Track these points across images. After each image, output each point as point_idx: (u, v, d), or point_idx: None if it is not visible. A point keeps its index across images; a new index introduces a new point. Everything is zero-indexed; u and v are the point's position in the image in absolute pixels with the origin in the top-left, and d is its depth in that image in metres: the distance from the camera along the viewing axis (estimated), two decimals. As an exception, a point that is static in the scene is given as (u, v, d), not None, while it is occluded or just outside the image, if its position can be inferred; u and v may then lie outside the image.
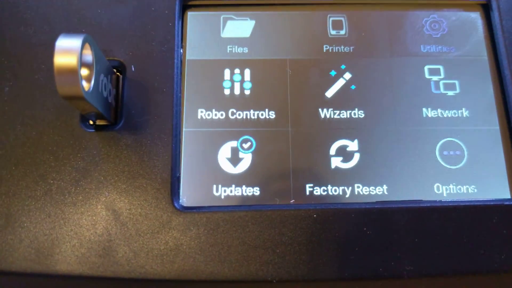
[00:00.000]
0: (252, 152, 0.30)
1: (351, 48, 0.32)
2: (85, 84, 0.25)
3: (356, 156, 0.30)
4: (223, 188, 0.29)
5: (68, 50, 0.23)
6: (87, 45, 0.25)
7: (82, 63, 0.25)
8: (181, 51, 0.31)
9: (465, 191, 0.29)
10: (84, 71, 0.25)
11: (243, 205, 0.28)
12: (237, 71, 0.31)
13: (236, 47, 0.32)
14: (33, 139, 0.29)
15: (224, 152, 0.30)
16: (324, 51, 0.32)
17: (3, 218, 0.28)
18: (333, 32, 0.32)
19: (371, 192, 0.29)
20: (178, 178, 0.29)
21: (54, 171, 0.28)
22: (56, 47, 0.23)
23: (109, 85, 0.29)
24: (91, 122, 0.29)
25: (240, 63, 0.31)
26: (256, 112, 0.30)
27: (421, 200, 0.29)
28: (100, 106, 0.27)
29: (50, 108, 0.29)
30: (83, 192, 0.28)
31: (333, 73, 0.31)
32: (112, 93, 0.29)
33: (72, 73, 0.23)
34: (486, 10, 0.33)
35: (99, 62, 0.26)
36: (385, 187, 0.29)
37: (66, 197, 0.28)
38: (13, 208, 0.28)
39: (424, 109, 0.31)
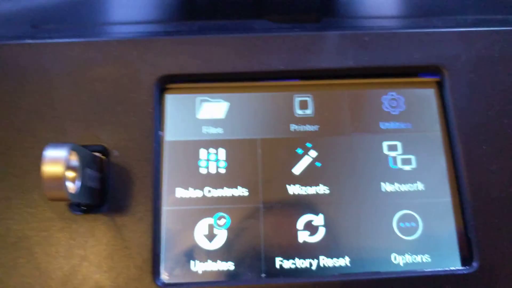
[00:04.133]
0: (226, 228, 0.33)
1: (316, 126, 0.35)
2: (71, 185, 0.28)
3: (322, 230, 0.33)
4: (200, 264, 0.32)
5: (55, 160, 0.26)
6: (73, 152, 0.27)
7: (69, 167, 0.27)
8: (160, 133, 0.34)
9: (419, 261, 0.32)
10: (70, 174, 0.28)
11: (218, 281, 0.31)
12: (212, 150, 0.34)
13: (211, 127, 0.35)
14: (25, 223, 0.32)
15: (201, 229, 0.33)
16: (291, 130, 0.35)
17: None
18: (300, 112, 0.35)
19: (335, 264, 0.32)
20: (159, 256, 0.32)
21: (45, 252, 0.31)
22: (44, 157, 0.26)
23: (94, 173, 0.31)
24: (78, 205, 0.32)
25: (215, 143, 0.34)
26: (230, 190, 0.33)
27: (379, 272, 0.32)
28: (85, 198, 0.29)
29: (41, 194, 0.32)
30: (72, 272, 0.31)
31: (299, 151, 0.34)
32: (97, 178, 0.32)
33: (58, 181, 0.26)
34: (440, 87, 0.36)
35: (84, 161, 0.29)
36: (347, 258, 0.32)
37: (57, 276, 0.31)
38: (7, 287, 0.31)
39: (382, 184, 0.34)
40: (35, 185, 0.32)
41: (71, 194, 0.27)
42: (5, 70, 0.34)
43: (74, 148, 0.27)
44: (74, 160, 0.28)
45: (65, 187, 0.26)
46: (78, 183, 0.28)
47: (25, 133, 0.33)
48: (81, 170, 0.28)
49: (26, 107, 0.34)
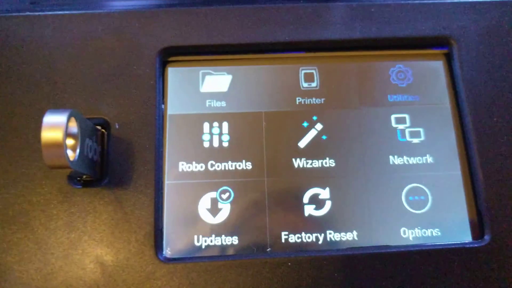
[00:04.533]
0: (230, 202, 0.32)
1: (322, 99, 0.34)
2: (70, 153, 0.27)
3: (328, 204, 0.32)
4: (203, 238, 0.31)
5: (54, 126, 0.25)
6: (72, 118, 0.26)
7: (68, 134, 0.26)
8: (163, 106, 0.33)
9: (429, 235, 0.31)
10: (70, 141, 0.27)
11: (222, 255, 0.30)
12: (215, 124, 0.33)
13: (214, 101, 0.34)
14: (24, 198, 0.31)
15: (204, 203, 0.32)
16: (297, 103, 0.34)
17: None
18: (305, 85, 0.34)
19: (342, 238, 0.31)
20: (161, 231, 0.31)
21: (44, 227, 0.30)
22: (43, 123, 0.25)
23: (94, 144, 0.30)
24: (78, 179, 0.31)
25: (218, 117, 0.33)
26: (234, 164, 0.32)
27: (388, 245, 0.31)
28: (85, 169, 0.29)
29: (40, 167, 0.31)
30: (72, 246, 0.30)
31: (305, 124, 0.33)
32: (97, 151, 0.31)
33: (58, 147, 0.25)
34: (449, 59, 0.35)
35: (85, 130, 0.28)
36: (355, 232, 0.31)
37: (56, 251, 0.30)
38: (6, 263, 0.30)
39: (391, 157, 0.33)
40: (33, 158, 0.31)
41: (70, 161, 0.26)
42: (5, 42, 0.34)
43: (73, 115, 0.26)
44: (74, 127, 0.27)
45: (65, 154, 0.25)
46: (78, 151, 0.27)
47: (24, 106, 0.32)
48: (81, 138, 0.28)
49: (25, 79, 0.33)
